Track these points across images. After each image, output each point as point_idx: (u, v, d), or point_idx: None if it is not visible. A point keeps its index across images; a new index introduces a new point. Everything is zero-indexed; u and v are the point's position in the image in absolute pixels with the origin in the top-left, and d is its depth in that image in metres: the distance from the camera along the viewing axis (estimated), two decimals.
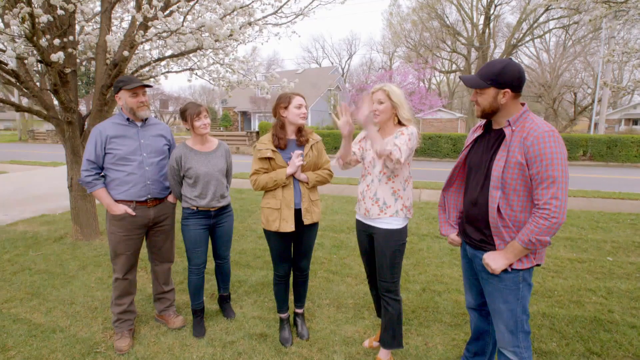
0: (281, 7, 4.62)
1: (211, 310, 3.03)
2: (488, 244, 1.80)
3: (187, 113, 2.55)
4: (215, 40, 3.78)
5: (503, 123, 1.75)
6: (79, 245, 4.55)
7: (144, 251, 3.31)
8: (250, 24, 4.31)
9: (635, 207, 6.75)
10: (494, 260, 1.73)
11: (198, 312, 2.77)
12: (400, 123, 2.20)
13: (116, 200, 2.48)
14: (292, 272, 2.70)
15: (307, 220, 2.47)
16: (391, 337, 2.29)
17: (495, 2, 23.91)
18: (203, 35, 3.70)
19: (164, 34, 3.17)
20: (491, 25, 24.62)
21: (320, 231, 5.01)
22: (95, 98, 4.12)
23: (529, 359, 1.81)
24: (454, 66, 28.11)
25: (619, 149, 15.48)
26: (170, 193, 2.72)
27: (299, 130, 2.49)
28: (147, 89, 2.57)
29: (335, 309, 3.08)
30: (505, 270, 1.73)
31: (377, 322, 2.86)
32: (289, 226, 2.42)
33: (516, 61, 1.77)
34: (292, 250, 2.63)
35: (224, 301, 3.01)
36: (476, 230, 1.85)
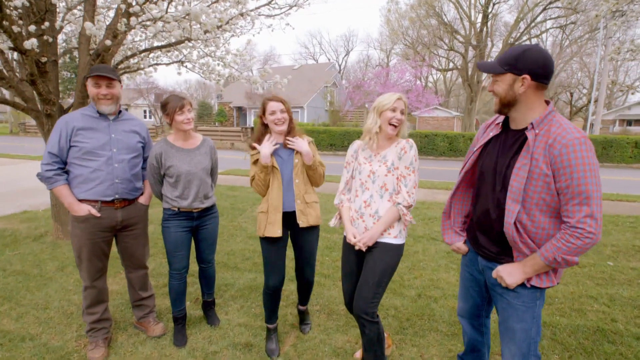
0: None
1: (194, 317, 2.85)
2: (505, 256, 1.62)
3: (169, 106, 2.35)
4: (205, 31, 3.59)
5: (522, 123, 1.54)
6: (59, 244, 4.34)
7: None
8: (242, 14, 4.12)
9: (635, 209, 6.65)
10: (510, 275, 1.55)
11: (179, 320, 2.60)
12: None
13: (79, 200, 2.27)
14: (297, 282, 2.63)
15: (302, 222, 2.33)
16: (373, 358, 2.10)
17: (494, 0, 23.76)
18: (193, 26, 3.50)
19: (148, 22, 2.96)
20: (489, 23, 24.45)
21: None
22: (78, 90, 3.91)
23: None
24: (451, 64, 27.99)
25: (614, 149, 15.45)
26: (141, 194, 2.53)
27: (288, 133, 2.37)
28: (120, 83, 2.37)
29: (325, 316, 2.92)
30: (522, 285, 1.55)
31: None
32: (275, 230, 2.27)
33: (543, 48, 1.57)
34: (295, 260, 2.52)
35: (208, 307, 2.83)
36: (492, 242, 1.67)
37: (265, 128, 2.40)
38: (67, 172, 2.30)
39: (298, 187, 2.35)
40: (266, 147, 2.27)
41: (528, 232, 1.49)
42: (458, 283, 3.49)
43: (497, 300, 1.69)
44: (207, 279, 2.77)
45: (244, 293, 3.26)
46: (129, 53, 4.74)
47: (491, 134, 1.69)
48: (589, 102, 23.88)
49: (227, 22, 3.11)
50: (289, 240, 2.46)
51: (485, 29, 24.46)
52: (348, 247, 2.14)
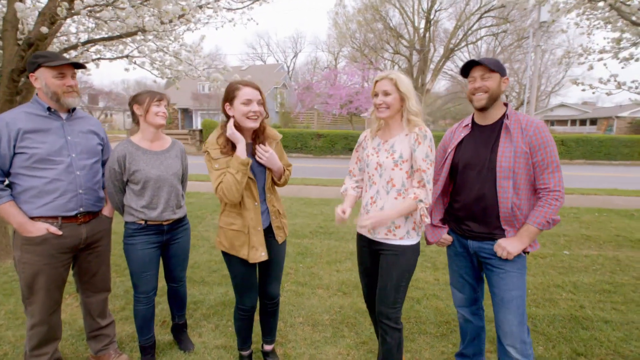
0: None
1: (164, 342, 2.51)
2: (497, 232, 1.82)
3: (146, 95, 2.08)
4: (161, 22, 3.22)
5: (494, 117, 1.85)
6: None
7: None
8: (201, 7, 3.79)
9: (574, 200, 7.30)
10: (511, 244, 1.75)
11: (147, 349, 2.27)
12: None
13: (32, 218, 1.86)
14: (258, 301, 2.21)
15: (280, 238, 2.08)
16: None
17: (435, 7, 25.10)
18: (149, 16, 3.12)
19: (97, 7, 2.55)
20: (431, 29, 25.80)
21: None
22: (4, 85, 3.31)
23: (532, 357, 1.83)
24: (396, 67, 29.06)
25: None
26: (105, 205, 2.17)
27: (257, 133, 1.96)
28: (78, 72, 2.01)
29: (310, 327, 2.74)
30: (518, 255, 1.77)
31: (360, 339, 2.57)
32: (259, 254, 1.96)
33: None
34: (259, 277, 2.16)
35: (180, 330, 2.51)
36: (483, 225, 1.85)
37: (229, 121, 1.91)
38: (9, 186, 1.86)
39: (271, 200, 2.05)
40: (242, 140, 1.84)
41: (517, 204, 1.76)
42: (436, 282, 3.51)
43: (492, 274, 1.86)
44: (178, 300, 2.45)
45: (216, 310, 2.96)
46: (66, 45, 4.16)
47: (462, 135, 1.94)
48: (521, 104, 26.22)
49: (189, 12, 2.79)
50: None
51: (427, 34, 25.76)
52: (361, 244, 2.04)
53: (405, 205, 1.78)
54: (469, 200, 1.87)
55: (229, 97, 1.87)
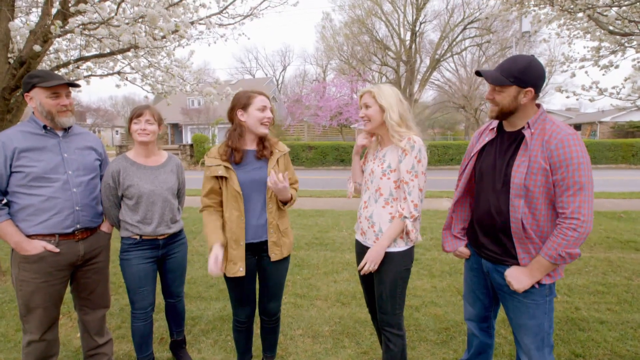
0: (226, 7, 4.21)
1: None
2: (509, 257, 1.64)
3: (131, 113, 2.08)
4: (154, 39, 3.25)
5: (518, 125, 1.62)
6: None
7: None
8: (193, 23, 3.84)
9: None
10: (518, 280, 1.58)
11: None
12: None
13: (29, 236, 1.85)
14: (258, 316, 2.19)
15: (275, 256, 2.01)
16: None
17: (420, 20, 25.77)
18: (141, 33, 3.14)
19: (91, 25, 2.57)
20: (417, 41, 26.43)
21: None
22: None
23: None
24: (384, 79, 29.56)
25: None
26: (103, 221, 2.16)
27: (261, 140, 2.02)
28: (71, 90, 2.02)
29: (311, 339, 2.72)
30: (532, 287, 1.57)
31: (362, 349, 2.56)
32: (237, 269, 1.92)
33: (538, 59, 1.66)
34: (259, 293, 2.15)
35: (179, 347, 2.47)
36: (495, 243, 1.68)
37: (241, 133, 1.94)
38: (7, 205, 1.85)
39: (272, 213, 1.99)
40: (214, 258, 1.83)
41: (531, 226, 1.54)
42: (434, 290, 3.53)
43: (506, 300, 1.70)
44: (176, 316, 2.42)
45: (215, 325, 2.92)
46: (56, 63, 4.16)
47: (487, 139, 1.76)
48: None
49: (183, 29, 2.83)
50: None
51: (414, 45, 26.35)
52: (358, 251, 2.04)
53: (394, 228, 1.80)
54: (481, 213, 1.73)
55: (243, 103, 1.94)
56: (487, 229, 1.71)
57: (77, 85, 2.02)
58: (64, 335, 2.75)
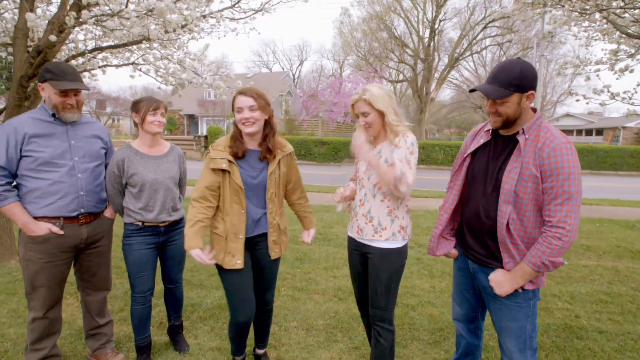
0: (239, 1, 4.26)
1: (160, 343, 2.56)
2: (495, 260, 1.65)
3: (143, 104, 2.15)
4: (165, 31, 3.32)
5: (512, 129, 1.62)
6: None
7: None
8: (204, 16, 3.90)
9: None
10: (500, 285, 1.61)
11: (143, 349, 2.31)
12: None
13: (36, 218, 1.95)
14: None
15: (274, 254, 2.07)
16: None
17: (440, 17, 25.32)
18: (153, 25, 3.22)
19: (103, 17, 2.65)
20: (436, 39, 26.01)
21: None
22: (13, 90, 3.43)
23: None
24: (401, 76, 29.25)
25: None
26: (107, 207, 2.24)
27: (265, 139, 1.98)
28: (85, 78, 2.10)
29: (304, 332, 2.77)
30: (515, 290, 1.59)
31: (353, 344, 2.60)
32: (235, 261, 1.95)
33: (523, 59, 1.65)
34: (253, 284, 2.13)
35: (176, 331, 2.55)
36: (480, 245, 1.70)
37: (235, 128, 1.98)
38: (16, 187, 1.96)
39: (272, 213, 2.03)
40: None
41: (518, 232, 1.56)
42: (432, 290, 3.53)
43: (490, 301, 1.74)
44: (174, 301, 2.50)
45: (213, 313, 3.00)
46: (74, 52, 4.29)
47: (481, 141, 1.75)
48: None
49: (192, 22, 2.89)
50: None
51: (432, 43, 25.93)
52: (352, 248, 2.07)
53: (391, 170, 1.73)
54: (470, 215, 1.74)
55: (232, 103, 1.97)
56: (475, 232, 1.73)
57: (86, 88, 2.10)
58: (70, 314, 2.88)
